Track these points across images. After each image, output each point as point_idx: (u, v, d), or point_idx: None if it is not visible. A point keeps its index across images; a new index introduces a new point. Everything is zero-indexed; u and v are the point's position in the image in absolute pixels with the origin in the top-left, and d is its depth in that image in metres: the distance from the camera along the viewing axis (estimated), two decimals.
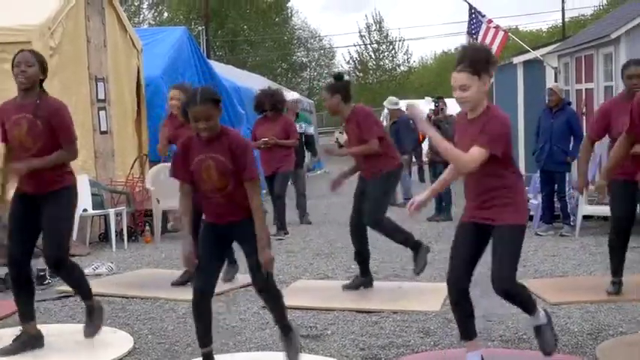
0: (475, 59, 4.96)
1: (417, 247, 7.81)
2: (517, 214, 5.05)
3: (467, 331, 5.22)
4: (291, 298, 7.57)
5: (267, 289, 5.35)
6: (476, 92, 4.96)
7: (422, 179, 21.08)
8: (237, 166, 5.08)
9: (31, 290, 6.18)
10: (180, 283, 8.20)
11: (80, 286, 6.27)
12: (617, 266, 7.37)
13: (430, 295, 7.58)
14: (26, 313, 6.13)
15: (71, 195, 6.10)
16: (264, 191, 11.83)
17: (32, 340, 6.08)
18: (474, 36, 15.74)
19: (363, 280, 8.02)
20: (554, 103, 11.37)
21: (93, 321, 6.23)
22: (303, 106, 27.08)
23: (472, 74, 4.93)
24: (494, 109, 5.10)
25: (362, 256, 8.02)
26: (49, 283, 8.47)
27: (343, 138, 20.35)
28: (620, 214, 7.27)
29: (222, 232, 5.27)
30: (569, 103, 12.05)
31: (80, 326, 6.70)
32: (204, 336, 5.31)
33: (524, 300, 5.18)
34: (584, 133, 10.20)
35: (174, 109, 8.45)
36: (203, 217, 5.39)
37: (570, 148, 11.29)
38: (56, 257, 5.96)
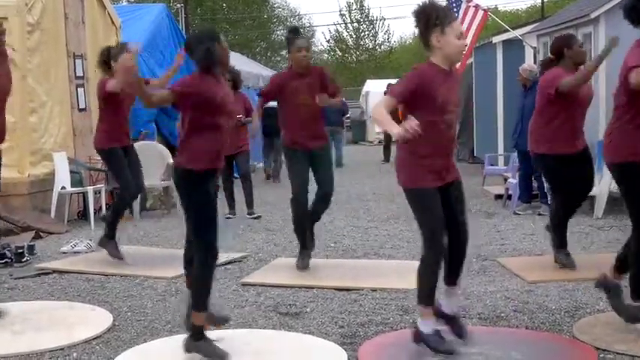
0: None
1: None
2: None
3: (433, 296, 5.28)
4: (270, 275, 7.63)
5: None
6: None
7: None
8: None
9: None
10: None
11: None
12: (561, 238, 7.69)
13: (409, 273, 7.54)
14: None
15: None
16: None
17: None
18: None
19: (309, 253, 8.03)
20: (522, 83, 11.48)
21: None
22: None
23: None
24: None
25: (304, 229, 8.00)
26: (27, 260, 8.44)
27: None
28: (561, 185, 7.58)
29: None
30: None
31: (59, 303, 6.72)
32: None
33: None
34: None
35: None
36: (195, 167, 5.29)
37: None
38: None
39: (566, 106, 7.34)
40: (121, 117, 8.35)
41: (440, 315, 5.32)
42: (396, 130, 4.67)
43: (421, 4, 5.09)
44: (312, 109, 7.71)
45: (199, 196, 5.25)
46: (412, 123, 4.61)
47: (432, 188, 5.09)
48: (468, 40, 15.47)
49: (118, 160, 8.39)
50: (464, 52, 5.23)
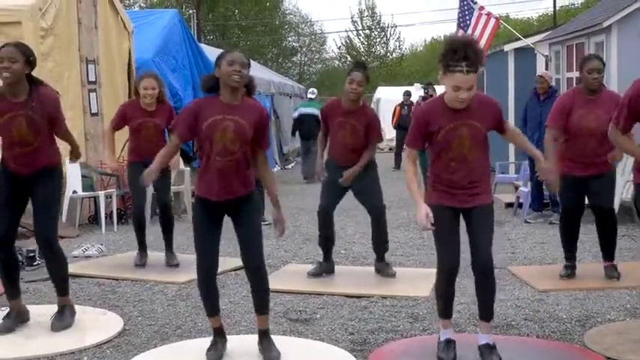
0: (477, 57, 4.81)
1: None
2: (490, 192, 5.27)
3: (451, 310, 5.36)
4: (280, 282, 7.61)
5: (262, 266, 5.37)
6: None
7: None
8: (259, 134, 5.27)
9: (17, 268, 6.22)
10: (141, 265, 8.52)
11: (64, 279, 6.28)
12: (568, 252, 7.66)
13: (419, 281, 7.60)
14: (13, 291, 6.16)
15: (60, 174, 6.26)
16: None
17: (20, 316, 6.17)
18: (465, 29, 15.71)
19: (327, 265, 8.01)
20: (543, 90, 11.39)
21: (64, 319, 6.19)
22: (300, 92, 27.39)
23: (475, 73, 4.84)
24: (481, 94, 5.21)
25: (331, 241, 8.00)
26: (38, 264, 8.46)
27: None
28: (569, 205, 7.54)
29: (217, 209, 5.29)
30: (556, 91, 12.06)
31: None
32: (213, 309, 5.43)
33: (494, 285, 5.22)
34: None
35: (147, 98, 8.28)
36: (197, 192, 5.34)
37: None
38: (49, 237, 6.06)
39: (568, 133, 7.33)
40: (142, 139, 8.41)
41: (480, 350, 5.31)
42: (421, 213, 4.98)
43: (453, 35, 5.00)
44: (350, 147, 7.63)
45: (195, 218, 5.41)
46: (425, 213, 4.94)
47: (442, 205, 5.12)
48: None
49: (132, 174, 8.51)
50: (461, 103, 4.93)
